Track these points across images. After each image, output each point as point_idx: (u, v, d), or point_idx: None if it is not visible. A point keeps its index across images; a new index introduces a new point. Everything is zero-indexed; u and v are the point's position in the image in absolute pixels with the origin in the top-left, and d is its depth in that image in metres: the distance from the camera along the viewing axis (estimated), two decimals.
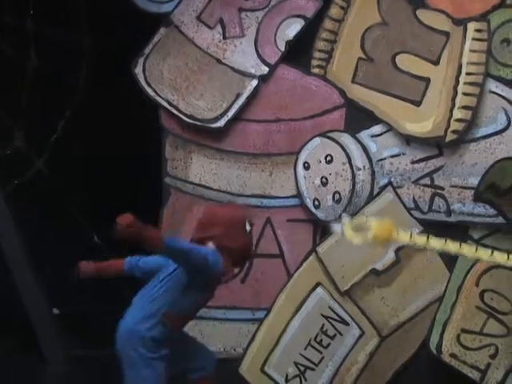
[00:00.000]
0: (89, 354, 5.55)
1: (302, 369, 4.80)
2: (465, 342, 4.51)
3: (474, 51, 4.56)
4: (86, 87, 6.28)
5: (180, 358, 3.78)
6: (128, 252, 6.06)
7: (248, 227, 3.67)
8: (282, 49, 4.95)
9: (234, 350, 4.97)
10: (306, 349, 4.79)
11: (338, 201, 4.76)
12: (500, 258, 3.52)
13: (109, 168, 6.08)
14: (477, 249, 3.52)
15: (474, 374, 4.46)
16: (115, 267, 4.00)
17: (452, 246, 3.48)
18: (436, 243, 3.49)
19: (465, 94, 4.55)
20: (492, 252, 3.50)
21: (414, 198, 4.67)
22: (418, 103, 4.67)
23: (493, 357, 4.46)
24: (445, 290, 4.57)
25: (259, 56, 4.99)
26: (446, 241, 3.49)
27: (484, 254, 3.49)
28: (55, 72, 6.19)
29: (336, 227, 3.54)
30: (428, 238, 3.48)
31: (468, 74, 4.56)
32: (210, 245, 3.59)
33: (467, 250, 3.48)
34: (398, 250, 4.64)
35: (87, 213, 6.38)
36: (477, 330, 4.50)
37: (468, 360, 4.48)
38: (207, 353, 4.02)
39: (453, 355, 4.51)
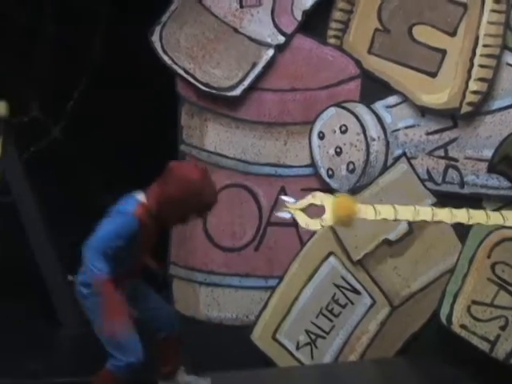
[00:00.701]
0: None
1: (313, 337, 4.85)
2: (475, 314, 4.53)
3: (491, 23, 4.54)
4: (102, 55, 6.33)
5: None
6: None
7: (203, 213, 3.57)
8: (299, 18, 4.95)
9: (247, 317, 5.02)
10: (317, 317, 4.85)
11: (352, 171, 4.79)
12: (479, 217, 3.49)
13: (124, 136, 6.12)
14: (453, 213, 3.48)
15: (484, 345, 4.48)
16: None
17: (423, 214, 3.46)
18: (405, 213, 3.49)
19: (481, 65, 4.54)
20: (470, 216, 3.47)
21: (427, 169, 4.69)
22: (433, 74, 4.67)
23: (503, 328, 4.48)
24: (456, 262, 4.59)
25: (276, 25, 4.99)
26: (415, 209, 3.48)
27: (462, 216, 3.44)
28: (71, 40, 6.21)
29: (283, 214, 3.55)
30: (395, 208, 3.48)
31: (485, 45, 4.54)
32: (146, 196, 3.52)
33: (443, 215, 3.46)
34: (410, 221, 4.69)
35: (102, 180, 6.44)
36: (487, 302, 4.52)
37: (478, 331, 4.51)
38: (169, 310, 3.92)
39: (463, 326, 4.53)
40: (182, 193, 3.42)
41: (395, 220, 3.60)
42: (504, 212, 3.63)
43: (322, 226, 3.53)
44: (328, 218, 3.48)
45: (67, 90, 6.33)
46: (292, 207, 3.48)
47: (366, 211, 3.49)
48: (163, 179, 3.49)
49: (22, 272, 5.77)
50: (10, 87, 5.92)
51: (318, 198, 3.51)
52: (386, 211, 3.50)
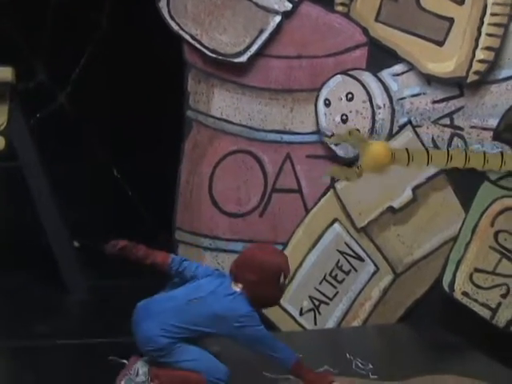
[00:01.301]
0: (108, 284, 5.68)
1: (317, 303, 4.90)
2: (477, 281, 4.57)
3: None
4: (108, 21, 6.31)
5: None
6: (147, 184, 6.18)
7: (282, 280, 3.61)
8: None
9: None
10: (321, 283, 4.89)
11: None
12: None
13: (131, 102, 6.13)
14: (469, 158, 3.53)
15: (485, 312, 4.52)
16: (161, 258, 3.92)
17: (456, 160, 3.47)
18: (438, 158, 3.49)
19: (488, 34, 4.52)
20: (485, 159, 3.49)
21: (433, 137, 4.68)
22: (440, 43, 4.66)
23: (504, 296, 4.51)
24: (459, 230, 4.62)
25: None
26: (448, 153, 3.49)
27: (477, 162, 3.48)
28: (78, 6, 6.20)
29: (325, 179, 3.61)
30: (429, 154, 3.48)
31: (493, 14, 4.52)
32: (239, 286, 3.61)
33: (475, 161, 3.47)
34: (415, 189, 4.71)
35: (108, 147, 6.47)
36: (489, 270, 4.55)
37: (479, 298, 4.54)
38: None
39: (465, 293, 4.57)
40: (260, 275, 3.60)
41: (428, 165, 3.63)
42: None
43: (359, 175, 3.59)
44: (364, 165, 3.53)
45: (73, 57, 6.33)
46: (327, 140, 3.55)
47: (401, 157, 3.52)
48: (247, 268, 3.64)
49: (29, 238, 5.81)
50: (15, 53, 5.93)
51: (355, 138, 3.55)
52: (419, 157, 3.53)
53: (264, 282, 3.55)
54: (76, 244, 6.14)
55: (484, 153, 3.69)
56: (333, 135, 3.60)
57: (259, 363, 3.76)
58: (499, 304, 4.52)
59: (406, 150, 3.54)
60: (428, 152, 3.55)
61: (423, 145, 4.69)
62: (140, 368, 3.58)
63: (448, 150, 3.60)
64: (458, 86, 4.65)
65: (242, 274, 3.59)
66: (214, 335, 3.62)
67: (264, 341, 3.56)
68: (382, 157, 3.52)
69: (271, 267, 3.57)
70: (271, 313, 4.95)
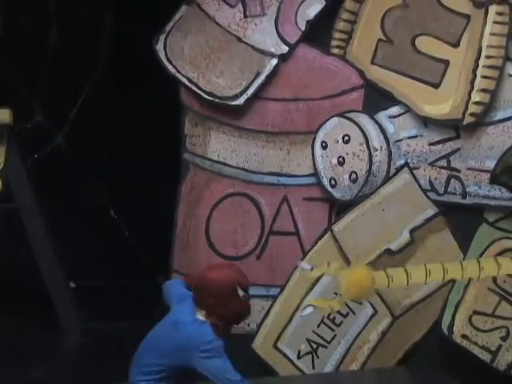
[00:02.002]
0: (104, 326, 5.64)
1: (315, 346, 4.86)
2: (476, 324, 4.54)
3: (494, 34, 4.54)
4: (106, 63, 6.35)
5: None
6: (144, 226, 6.17)
7: (241, 292, 3.46)
8: (303, 28, 4.97)
9: (248, 325, 5.02)
10: (318, 326, 4.85)
11: (355, 180, 4.80)
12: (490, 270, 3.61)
13: (128, 144, 6.15)
14: (464, 268, 3.62)
15: (485, 356, 4.49)
16: None
17: (436, 275, 3.57)
18: (418, 276, 3.59)
19: (484, 76, 4.55)
20: (481, 268, 3.59)
21: (430, 179, 4.69)
22: (436, 85, 4.68)
23: (504, 339, 4.48)
24: None
25: (279, 35, 5.02)
26: (426, 269, 3.56)
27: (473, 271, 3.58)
28: (76, 48, 6.24)
29: (307, 311, 3.66)
30: (407, 273, 3.55)
31: (488, 57, 4.56)
32: (202, 313, 3.47)
33: (454, 272, 3.59)
34: (412, 231, 4.70)
35: (105, 187, 6.46)
36: (489, 312, 4.53)
37: (479, 341, 4.51)
38: None
39: (464, 336, 4.54)
40: (215, 295, 3.47)
41: (408, 285, 3.70)
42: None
43: (342, 304, 3.63)
44: (345, 295, 3.58)
45: (70, 97, 6.35)
46: (309, 275, 3.62)
47: (380, 281, 3.58)
48: (203, 294, 3.52)
49: (25, 279, 5.78)
50: (12, 93, 5.95)
51: (333, 269, 3.60)
52: (399, 277, 3.59)
53: (223, 301, 3.43)
54: (72, 285, 6.11)
55: (460, 262, 3.73)
56: (312, 269, 3.64)
57: None
58: (499, 347, 4.49)
59: (385, 271, 3.59)
60: (406, 270, 3.59)
61: (420, 187, 4.71)
62: None
63: (425, 265, 3.64)
64: (455, 127, 4.66)
65: (200, 300, 3.47)
66: (182, 367, 3.46)
67: (222, 373, 3.37)
68: (362, 283, 3.59)
69: (224, 284, 3.44)
70: (269, 356, 4.93)
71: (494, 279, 4.52)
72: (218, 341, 3.40)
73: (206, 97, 5.12)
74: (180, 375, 3.52)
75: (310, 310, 3.65)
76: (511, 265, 3.80)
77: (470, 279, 4.53)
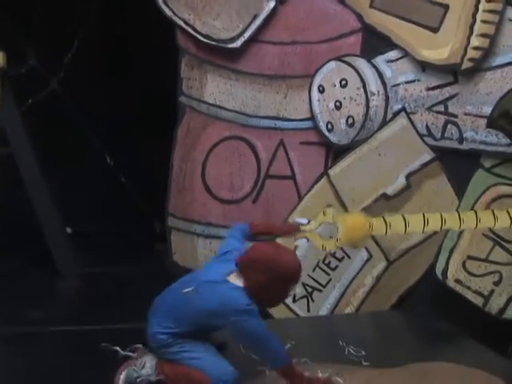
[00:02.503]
0: (100, 271, 5.68)
1: (310, 290, 4.90)
2: (470, 269, 4.58)
3: None
4: (102, 5, 6.27)
5: None
6: (140, 172, 6.16)
7: (291, 289, 3.36)
8: None
9: None
10: (314, 270, 4.89)
11: (351, 125, 4.78)
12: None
13: (123, 87, 6.10)
14: (461, 219, 3.61)
15: (478, 300, 4.54)
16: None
17: (433, 223, 3.57)
18: (416, 224, 3.59)
19: (484, 21, 4.50)
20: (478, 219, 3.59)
21: (427, 124, 4.68)
22: (435, 30, 4.64)
23: (497, 283, 4.53)
24: None
25: None
26: (425, 218, 3.54)
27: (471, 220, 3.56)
28: None
29: (300, 241, 3.63)
30: (405, 221, 3.54)
31: (488, 1, 4.50)
32: (243, 282, 3.32)
33: (452, 221, 3.58)
34: (408, 176, 4.71)
35: (101, 133, 6.43)
36: (482, 257, 4.56)
37: (472, 286, 4.56)
38: None
39: (458, 281, 4.58)
40: (271, 278, 3.32)
41: (405, 233, 3.69)
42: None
43: (337, 247, 3.61)
44: (342, 238, 3.55)
45: (65, 41, 6.29)
46: (307, 229, 3.58)
47: (378, 227, 3.56)
48: (257, 268, 3.35)
49: (22, 224, 5.79)
50: (7, 37, 5.88)
51: (329, 215, 3.57)
52: (396, 224, 3.58)
53: (272, 286, 3.28)
54: (68, 230, 6.13)
55: (458, 213, 3.70)
56: (309, 222, 3.57)
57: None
58: (492, 291, 4.53)
59: (383, 218, 3.57)
60: (404, 218, 3.56)
61: (417, 132, 4.70)
62: (148, 361, 3.49)
63: (424, 214, 3.61)
64: (453, 73, 4.63)
65: (248, 272, 3.31)
66: (210, 328, 3.44)
67: (261, 338, 3.31)
68: (360, 228, 3.57)
69: (284, 273, 3.28)
70: None
71: None
72: (254, 305, 3.28)
73: (203, 39, 5.07)
74: (204, 333, 3.45)
75: (304, 221, 3.63)
76: (507, 219, 3.82)
77: None
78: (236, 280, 3.34)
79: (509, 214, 3.84)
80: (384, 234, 3.77)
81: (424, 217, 3.66)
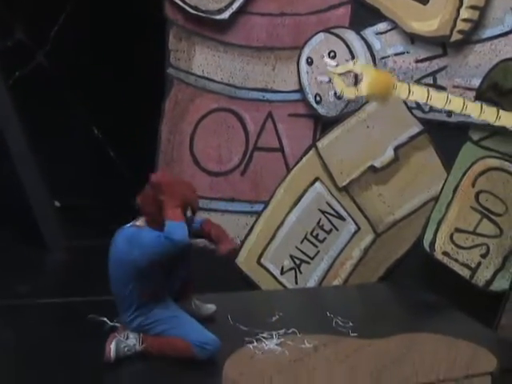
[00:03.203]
0: (88, 244, 5.66)
1: (298, 262, 4.91)
2: (457, 241, 4.59)
3: None
4: None
5: None
6: (128, 144, 6.13)
7: (189, 213, 3.53)
8: None
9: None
10: (302, 242, 4.90)
11: (340, 97, 4.76)
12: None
13: (111, 59, 6.05)
14: (482, 109, 3.53)
15: (465, 272, 4.56)
16: None
17: (455, 104, 3.49)
18: (437, 100, 3.50)
19: None
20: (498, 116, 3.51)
21: None
22: (424, 1, 4.61)
23: (484, 256, 4.55)
24: (441, 190, 4.63)
25: None
26: (447, 97, 3.45)
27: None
28: None
29: (323, 78, 3.56)
30: (428, 93, 3.45)
31: None
32: (141, 220, 3.54)
33: (472, 108, 3.49)
34: (397, 148, 4.71)
35: (88, 105, 6.39)
36: (470, 230, 4.57)
37: (460, 258, 4.57)
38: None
39: (445, 253, 4.60)
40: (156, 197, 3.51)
41: (426, 103, 3.63)
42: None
43: (356, 95, 3.54)
44: (364, 88, 3.48)
45: (52, 14, 6.22)
46: (332, 71, 3.50)
47: (401, 90, 3.48)
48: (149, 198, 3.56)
49: (9, 198, 5.77)
50: None
51: (359, 66, 3.52)
52: (419, 94, 3.51)
53: (160, 201, 3.45)
54: (56, 204, 6.10)
55: (481, 104, 3.66)
56: (337, 65, 3.54)
57: (256, 325, 3.75)
58: (479, 264, 4.55)
59: (408, 84, 3.52)
60: (428, 92, 3.52)
61: (406, 104, 4.68)
62: (130, 333, 3.58)
63: (448, 95, 3.57)
64: (442, 45, 4.62)
65: (146, 207, 3.51)
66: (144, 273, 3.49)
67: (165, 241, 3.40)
68: (385, 83, 3.49)
69: (158, 184, 3.49)
70: (252, 272, 4.98)
71: (477, 197, 4.57)
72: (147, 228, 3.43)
73: (191, 10, 5.03)
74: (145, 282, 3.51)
75: (326, 78, 3.61)
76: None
77: (452, 197, 4.60)
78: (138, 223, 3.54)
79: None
80: (406, 98, 3.69)
81: (447, 96, 3.62)
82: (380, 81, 3.49)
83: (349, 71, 3.54)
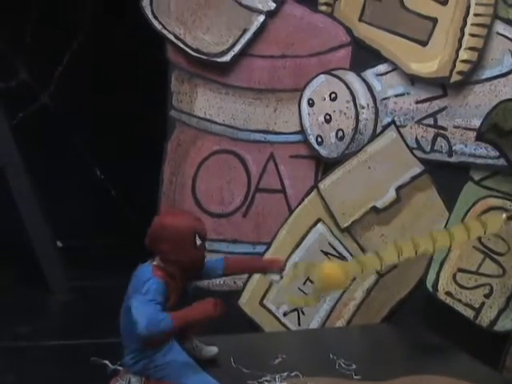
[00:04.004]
0: (91, 285, 5.66)
1: None
2: (461, 281, 4.58)
3: None
4: (92, 20, 6.29)
5: None
6: (131, 185, 6.16)
7: (198, 241, 3.41)
8: None
9: (234, 282, 5.06)
10: (304, 284, 4.87)
11: (341, 138, 4.80)
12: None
13: (114, 101, 6.12)
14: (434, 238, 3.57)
15: (468, 312, 4.54)
16: None
17: (406, 251, 3.55)
18: (390, 257, 3.57)
19: (472, 35, 4.54)
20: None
21: (416, 137, 4.70)
22: (424, 43, 4.67)
23: (487, 296, 4.53)
24: None
25: None
26: (399, 251, 3.52)
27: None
28: (62, 5, 6.17)
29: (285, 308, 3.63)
30: (379, 257, 3.51)
31: (476, 15, 4.54)
32: (156, 259, 3.41)
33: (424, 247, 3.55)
34: (398, 189, 4.72)
35: (91, 147, 6.44)
36: (473, 270, 4.56)
37: (463, 298, 4.55)
38: None
39: (448, 293, 4.58)
40: (171, 241, 3.39)
41: (381, 269, 3.68)
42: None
43: (317, 301, 3.61)
44: (318, 288, 3.55)
45: (56, 55, 6.30)
46: (281, 286, 3.61)
47: (353, 270, 3.53)
48: (160, 239, 3.43)
49: (12, 238, 5.78)
50: None
51: (302, 267, 3.57)
52: (370, 262, 3.55)
53: (180, 247, 3.33)
54: (59, 244, 6.12)
55: (431, 234, 3.65)
56: (281, 278, 3.61)
57: (258, 367, 3.72)
58: (482, 304, 4.53)
59: (357, 259, 3.57)
60: (379, 255, 3.55)
61: (407, 145, 4.72)
62: (132, 377, 3.53)
63: (396, 245, 3.60)
64: (442, 86, 4.65)
65: (155, 248, 3.37)
66: None
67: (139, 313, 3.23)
68: (334, 275, 3.55)
69: (183, 231, 3.36)
70: (255, 313, 4.96)
71: (479, 237, 4.56)
72: (153, 280, 3.29)
73: (193, 53, 5.07)
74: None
75: (277, 277, 3.64)
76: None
77: None
78: (151, 263, 3.39)
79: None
80: (361, 274, 3.74)
81: (396, 247, 3.63)
82: (329, 274, 3.56)
83: (294, 277, 3.58)
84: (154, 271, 3.36)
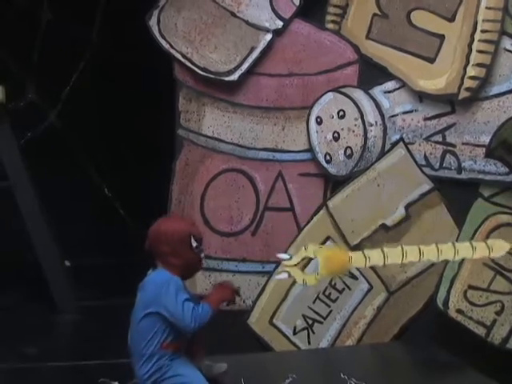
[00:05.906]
0: (99, 304, 5.64)
1: (310, 322, 4.87)
2: (471, 298, 4.55)
3: (489, 8, 4.53)
4: (99, 40, 6.31)
5: None
6: (139, 203, 6.15)
7: (194, 243, 3.55)
8: (297, 3, 4.95)
9: (244, 301, 5.02)
10: (314, 302, 4.86)
11: (350, 156, 4.79)
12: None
13: (122, 120, 6.12)
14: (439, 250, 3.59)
15: (480, 330, 4.51)
16: None
17: (412, 255, 3.57)
18: (394, 256, 3.59)
19: (479, 51, 4.54)
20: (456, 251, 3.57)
21: (425, 154, 4.69)
22: (432, 60, 4.67)
23: (499, 313, 4.50)
24: None
25: (274, 10, 4.99)
26: (403, 250, 3.55)
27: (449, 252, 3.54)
28: (69, 24, 6.19)
29: (281, 276, 3.70)
30: (384, 254, 3.54)
31: (483, 31, 4.54)
32: (159, 264, 3.57)
33: (430, 253, 3.56)
34: (407, 206, 4.70)
35: (99, 165, 6.44)
36: (484, 287, 4.54)
37: (474, 316, 4.53)
38: None
39: (459, 311, 4.55)
40: (170, 244, 3.56)
41: (384, 265, 3.69)
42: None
43: (317, 280, 3.62)
44: (322, 272, 3.58)
45: (64, 75, 6.32)
46: (288, 264, 3.62)
47: (357, 260, 3.57)
48: (158, 244, 3.60)
49: (20, 257, 5.78)
50: (5, 72, 5.91)
51: (311, 250, 3.59)
52: (375, 257, 3.58)
53: (177, 250, 3.50)
54: (67, 263, 6.10)
55: (436, 245, 3.69)
56: (291, 258, 3.64)
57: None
58: (494, 321, 4.50)
59: (362, 252, 3.59)
60: (383, 251, 3.58)
61: (416, 162, 4.70)
62: None
63: (402, 247, 3.62)
64: (450, 102, 4.65)
65: (156, 252, 3.55)
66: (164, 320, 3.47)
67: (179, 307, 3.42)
68: (339, 260, 3.60)
69: (178, 233, 3.53)
70: (265, 332, 4.93)
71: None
72: (174, 279, 3.47)
73: (201, 72, 5.09)
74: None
75: (285, 275, 3.66)
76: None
77: None
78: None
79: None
80: (363, 266, 3.77)
81: (402, 249, 3.65)
82: (334, 259, 3.62)
83: (303, 258, 3.62)
84: (170, 272, 3.52)
